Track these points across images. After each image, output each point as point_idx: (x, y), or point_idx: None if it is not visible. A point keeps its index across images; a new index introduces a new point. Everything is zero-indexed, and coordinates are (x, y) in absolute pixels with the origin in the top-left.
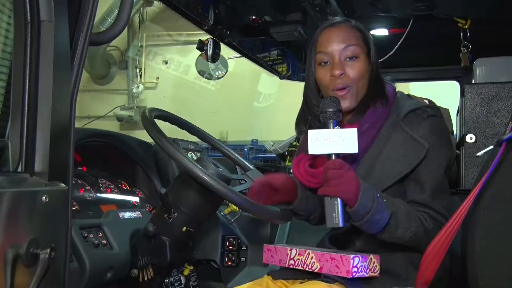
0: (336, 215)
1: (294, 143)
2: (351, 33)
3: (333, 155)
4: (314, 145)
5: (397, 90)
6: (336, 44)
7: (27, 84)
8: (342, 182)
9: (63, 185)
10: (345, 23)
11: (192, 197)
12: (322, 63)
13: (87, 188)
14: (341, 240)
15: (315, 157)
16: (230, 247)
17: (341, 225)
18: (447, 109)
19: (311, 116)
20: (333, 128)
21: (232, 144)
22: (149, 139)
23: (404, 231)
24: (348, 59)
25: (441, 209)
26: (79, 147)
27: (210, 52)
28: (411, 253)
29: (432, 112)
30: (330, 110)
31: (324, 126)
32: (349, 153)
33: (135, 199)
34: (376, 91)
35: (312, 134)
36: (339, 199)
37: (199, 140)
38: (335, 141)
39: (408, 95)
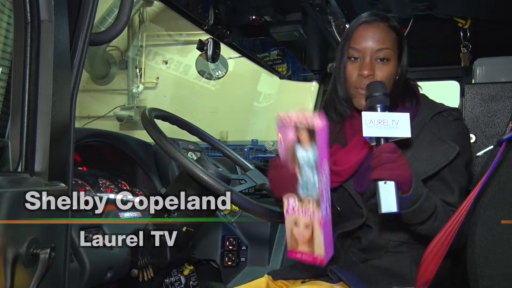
0: (392, 200)
1: None
2: (387, 35)
3: (382, 139)
4: (369, 127)
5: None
6: (370, 44)
7: (27, 84)
8: (397, 166)
9: (63, 185)
10: (383, 22)
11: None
12: (352, 58)
13: (87, 188)
14: (348, 238)
15: (335, 156)
16: (230, 247)
17: (396, 210)
18: None
19: (336, 107)
20: (381, 112)
21: (232, 144)
22: (149, 139)
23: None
24: (379, 60)
25: None
26: (79, 147)
27: (210, 52)
28: (414, 253)
29: (458, 115)
30: (377, 94)
31: (371, 110)
32: (402, 137)
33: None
34: (403, 92)
35: (367, 116)
36: (393, 183)
37: (199, 140)
38: (389, 124)
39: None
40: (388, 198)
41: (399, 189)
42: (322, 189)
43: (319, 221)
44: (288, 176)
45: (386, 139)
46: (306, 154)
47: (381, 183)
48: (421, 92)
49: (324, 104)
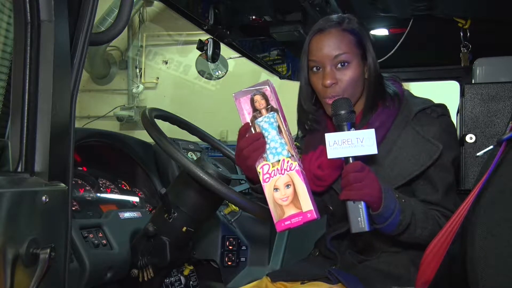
0: (361, 220)
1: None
2: (342, 39)
3: (351, 158)
4: (333, 149)
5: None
6: (326, 53)
7: (27, 84)
8: (365, 185)
9: (63, 185)
10: (335, 28)
11: (192, 197)
12: (315, 69)
13: (87, 188)
14: (343, 240)
15: (320, 158)
16: (230, 247)
17: (367, 229)
18: None
19: (304, 121)
20: (348, 130)
21: (232, 144)
22: (149, 139)
23: (422, 230)
24: (339, 66)
25: (452, 207)
26: (79, 147)
27: (210, 52)
28: (413, 253)
29: (442, 111)
30: (343, 112)
31: (339, 128)
32: (368, 155)
33: (135, 199)
34: (381, 91)
35: (330, 137)
36: (363, 203)
37: (199, 140)
38: (354, 143)
39: None
40: (358, 217)
41: (369, 207)
42: (291, 145)
43: (298, 173)
44: (257, 141)
45: (354, 157)
46: (267, 119)
47: (350, 203)
48: (405, 88)
49: (297, 121)
